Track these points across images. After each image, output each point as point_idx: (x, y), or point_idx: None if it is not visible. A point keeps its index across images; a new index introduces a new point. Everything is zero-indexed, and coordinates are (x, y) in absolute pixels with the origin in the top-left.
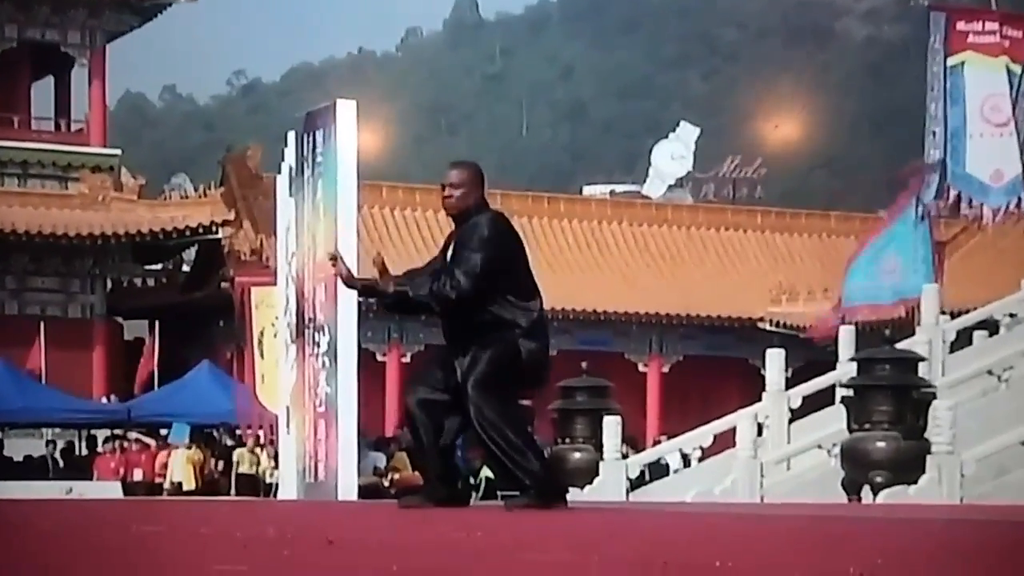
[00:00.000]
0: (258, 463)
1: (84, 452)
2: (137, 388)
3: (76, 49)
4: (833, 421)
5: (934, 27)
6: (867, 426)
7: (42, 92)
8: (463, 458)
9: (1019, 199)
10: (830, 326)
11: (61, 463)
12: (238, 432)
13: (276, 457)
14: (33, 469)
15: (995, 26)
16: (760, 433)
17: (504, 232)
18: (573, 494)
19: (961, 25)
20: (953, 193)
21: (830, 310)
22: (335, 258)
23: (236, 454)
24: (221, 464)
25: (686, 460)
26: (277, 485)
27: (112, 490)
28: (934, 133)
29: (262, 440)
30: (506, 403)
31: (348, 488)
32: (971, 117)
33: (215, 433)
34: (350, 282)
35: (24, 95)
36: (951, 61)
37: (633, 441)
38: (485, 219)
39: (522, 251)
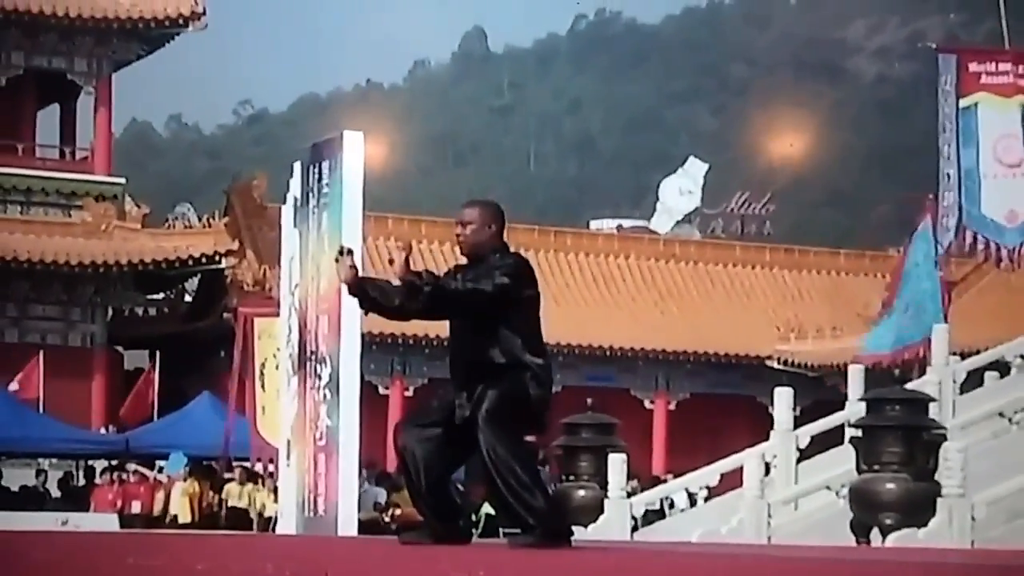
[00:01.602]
0: (250, 497)
1: (82, 483)
2: (123, 411)
3: (82, 77)
4: (842, 462)
5: (944, 69)
6: (876, 467)
7: (47, 120)
8: (462, 494)
9: None
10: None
11: (58, 494)
12: (243, 465)
13: (275, 490)
14: (30, 499)
15: (1008, 66)
16: (767, 473)
17: (531, 274)
18: (577, 533)
19: (974, 66)
20: (968, 234)
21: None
22: (344, 252)
23: (225, 489)
24: (218, 498)
25: (692, 499)
26: (276, 519)
27: (109, 522)
28: (948, 175)
29: (262, 473)
30: (517, 440)
31: (348, 523)
32: (984, 158)
33: (215, 465)
34: (352, 282)
35: (29, 122)
36: (964, 102)
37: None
38: (512, 258)
39: (538, 300)
